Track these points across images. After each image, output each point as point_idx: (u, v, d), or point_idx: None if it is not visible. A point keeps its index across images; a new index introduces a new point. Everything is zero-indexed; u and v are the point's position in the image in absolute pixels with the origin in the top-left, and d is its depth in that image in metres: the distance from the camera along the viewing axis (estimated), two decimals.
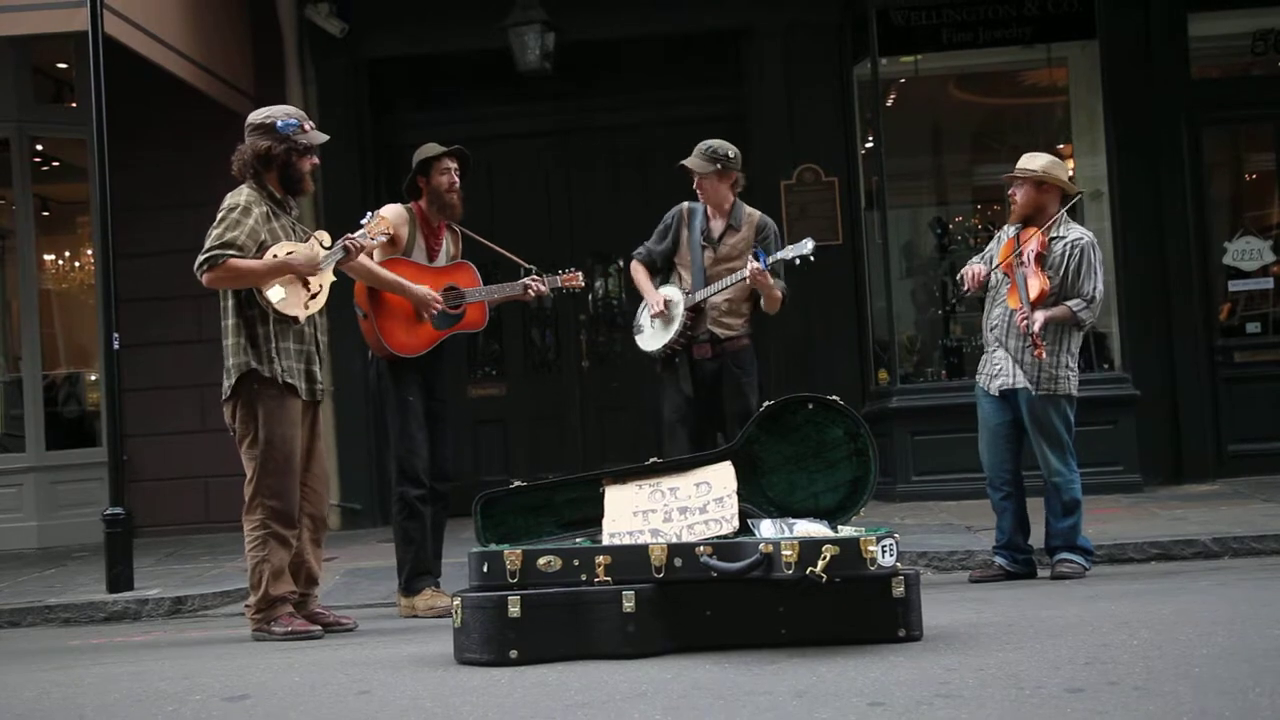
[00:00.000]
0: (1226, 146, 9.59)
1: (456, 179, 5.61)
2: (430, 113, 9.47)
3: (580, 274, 5.89)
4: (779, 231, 6.09)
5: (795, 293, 6.06)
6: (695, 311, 5.85)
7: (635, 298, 6.30)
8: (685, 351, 5.86)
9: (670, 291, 5.96)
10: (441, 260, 5.64)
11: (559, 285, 5.80)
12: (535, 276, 5.73)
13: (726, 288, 5.83)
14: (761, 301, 5.88)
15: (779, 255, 5.81)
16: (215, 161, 8.48)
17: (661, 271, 6.06)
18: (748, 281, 5.72)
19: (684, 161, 5.91)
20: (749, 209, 6.00)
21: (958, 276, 5.78)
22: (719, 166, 5.85)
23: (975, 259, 5.80)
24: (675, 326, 5.86)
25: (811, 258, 5.82)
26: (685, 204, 6.04)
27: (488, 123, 9.40)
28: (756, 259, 5.67)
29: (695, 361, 5.87)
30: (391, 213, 5.47)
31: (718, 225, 5.94)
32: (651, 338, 5.97)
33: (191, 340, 8.83)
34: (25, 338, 9.19)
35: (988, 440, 5.65)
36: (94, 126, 6.73)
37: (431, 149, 5.62)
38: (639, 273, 6.08)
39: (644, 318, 6.05)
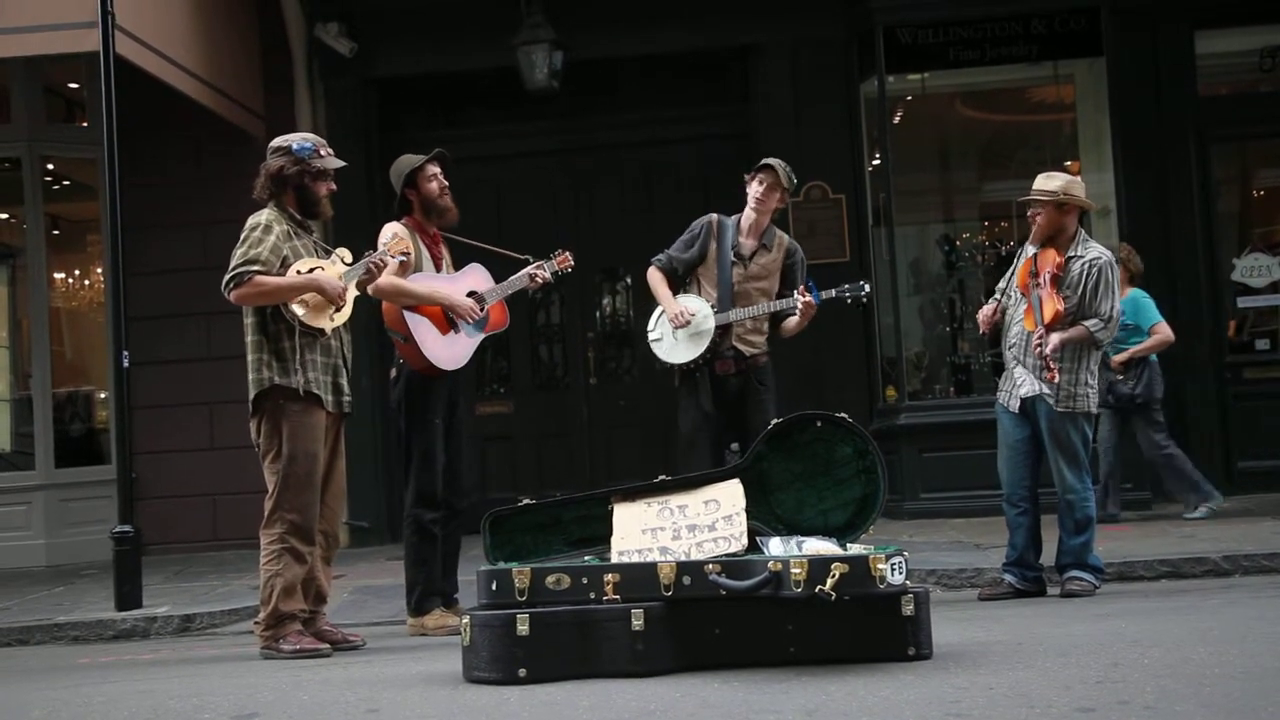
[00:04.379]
0: (1234, 163, 9.60)
1: (445, 181, 5.56)
2: (438, 131, 9.50)
3: (569, 254, 5.80)
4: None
5: None
6: (722, 328, 5.82)
7: (643, 313, 6.27)
8: (707, 366, 5.82)
9: (693, 303, 5.85)
10: (444, 269, 5.62)
11: (556, 269, 5.74)
12: (535, 264, 5.70)
13: (763, 315, 5.83)
14: (785, 325, 5.88)
15: (833, 294, 5.82)
16: (225, 180, 8.63)
17: (681, 281, 5.96)
18: (797, 316, 5.75)
19: (773, 163, 5.84)
20: (778, 231, 6.01)
21: (977, 317, 5.82)
22: (786, 186, 5.89)
23: (1002, 282, 5.79)
24: (705, 341, 5.78)
25: (864, 300, 5.90)
26: (714, 216, 5.97)
27: (495, 141, 9.46)
28: (809, 292, 5.70)
29: (717, 377, 5.83)
30: (396, 231, 5.44)
31: (749, 243, 5.89)
32: (674, 349, 5.86)
33: (200, 358, 8.88)
34: (35, 355, 9.22)
35: (1006, 456, 5.64)
36: (105, 146, 6.77)
37: (410, 160, 5.55)
38: (658, 280, 5.95)
39: (663, 326, 5.92)
